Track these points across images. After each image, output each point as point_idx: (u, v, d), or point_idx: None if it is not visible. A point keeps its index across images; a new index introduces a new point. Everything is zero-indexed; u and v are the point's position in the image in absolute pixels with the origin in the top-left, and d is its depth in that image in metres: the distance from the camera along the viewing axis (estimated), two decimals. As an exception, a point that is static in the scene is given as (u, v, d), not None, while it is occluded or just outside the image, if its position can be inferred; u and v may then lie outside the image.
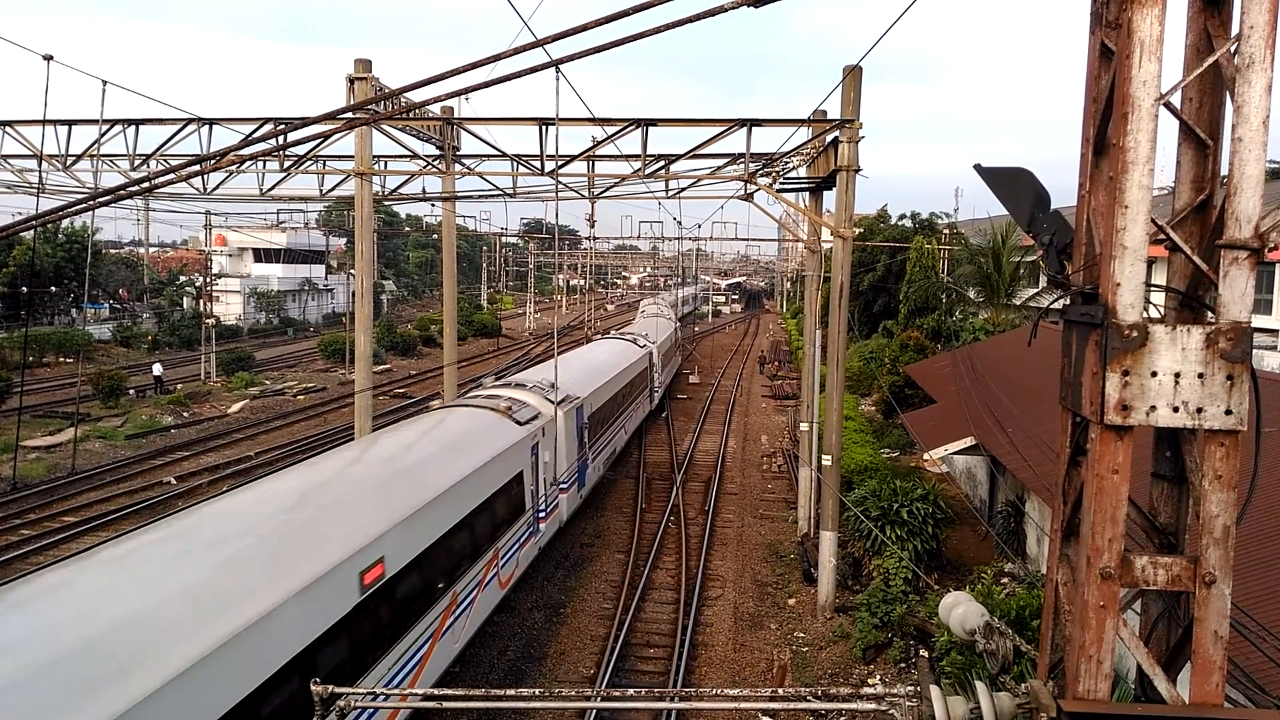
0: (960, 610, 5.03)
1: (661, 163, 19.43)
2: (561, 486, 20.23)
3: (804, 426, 23.14)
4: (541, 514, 18.53)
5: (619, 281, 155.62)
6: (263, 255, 74.79)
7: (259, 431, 34.42)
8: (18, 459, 25.80)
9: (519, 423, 17.62)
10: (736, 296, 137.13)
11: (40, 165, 20.35)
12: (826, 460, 18.37)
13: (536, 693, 5.25)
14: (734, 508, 25.55)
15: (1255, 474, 4.06)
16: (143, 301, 70.88)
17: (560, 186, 19.96)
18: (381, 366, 50.14)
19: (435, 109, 20.49)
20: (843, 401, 19.46)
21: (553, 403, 19.79)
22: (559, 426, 19.97)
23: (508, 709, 12.85)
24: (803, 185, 21.77)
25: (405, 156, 21.89)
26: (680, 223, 69.80)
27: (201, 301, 53.66)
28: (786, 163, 20.90)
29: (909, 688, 4.76)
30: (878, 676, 15.24)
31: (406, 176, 22.40)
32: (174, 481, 26.65)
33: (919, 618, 15.97)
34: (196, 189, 21.39)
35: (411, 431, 16.57)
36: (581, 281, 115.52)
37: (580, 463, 22.08)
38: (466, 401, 19.13)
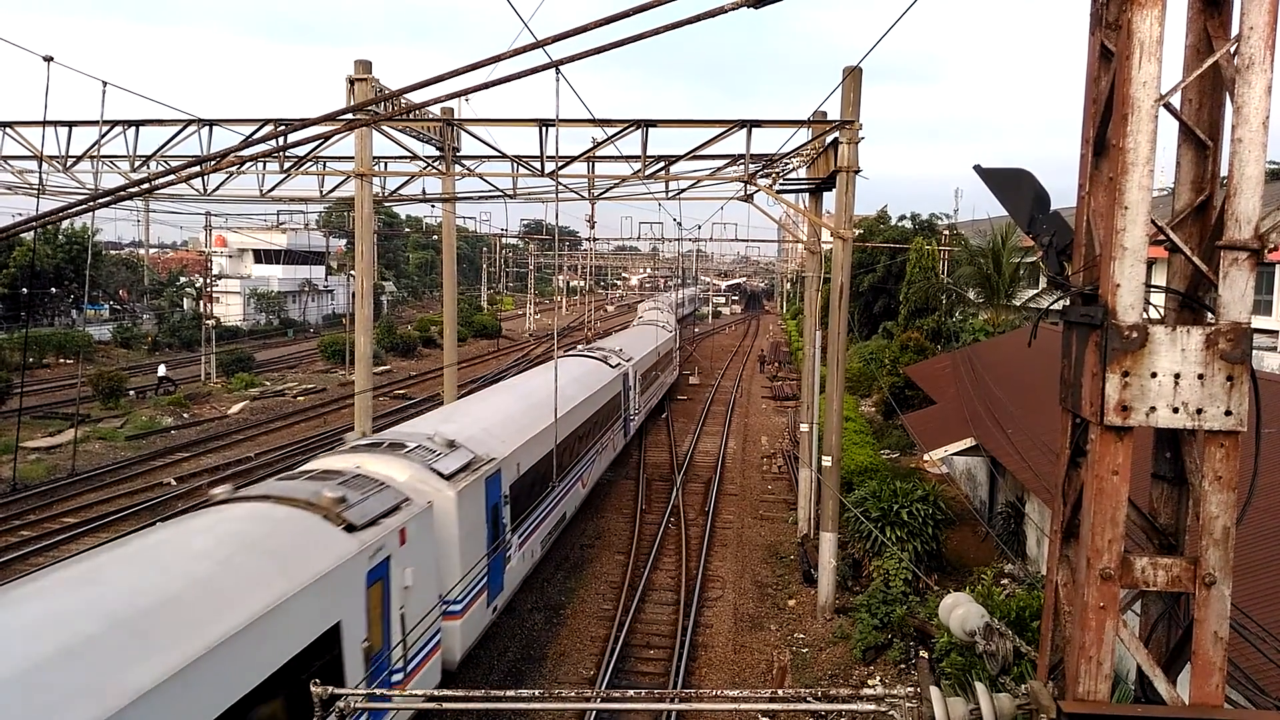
0: (960, 611, 5.03)
1: (661, 164, 19.44)
2: (451, 610, 13.07)
3: (804, 427, 23.13)
4: (393, 681, 11.26)
5: (619, 283, 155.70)
6: (263, 256, 74.87)
7: (259, 432, 34.42)
8: (18, 460, 25.79)
9: (352, 527, 10.43)
10: (736, 298, 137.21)
11: (40, 166, 20.37)
12: (826, 461, 18.37)
13: (536, 693, 5.25)
14: (734, 509, 25.54)
15: (1255, 475, 4.06)
16: (143, 302, 70.97)
17: (560, 187, 19.98)
18: (382, 368, 50.14)
19: (435, 110, 20.50)
20: (843, 402, 19.46)
21: (442, 476, 13.29)
22: (447, 515, 13.03)
23: (507, 710, 12.85)
24: (802, 186, 21.78)
25: (405, 158, 21.91)
26: (680, 224, 69.90)
27: (201, 302, 53.69)
28: (786, 164, 20.92)
29: (909, 689, 4.76)
30: (878, 678, 15.23)
31: (406, 178, 22.42)
32: (174, 483, 26.65)
33: (919, 619, 15.97)
34: (196, 190, 21.42)
35: (76, 577, 8.03)
36: (581, 283, 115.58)
37: (495, 558, 15.09)
38: (271, 490, 11.11)
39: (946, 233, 50.88)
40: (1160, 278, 4.15)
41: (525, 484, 17.12)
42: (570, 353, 31.63)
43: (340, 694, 5.12)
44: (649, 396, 35.75)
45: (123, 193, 5.91)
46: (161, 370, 42.87)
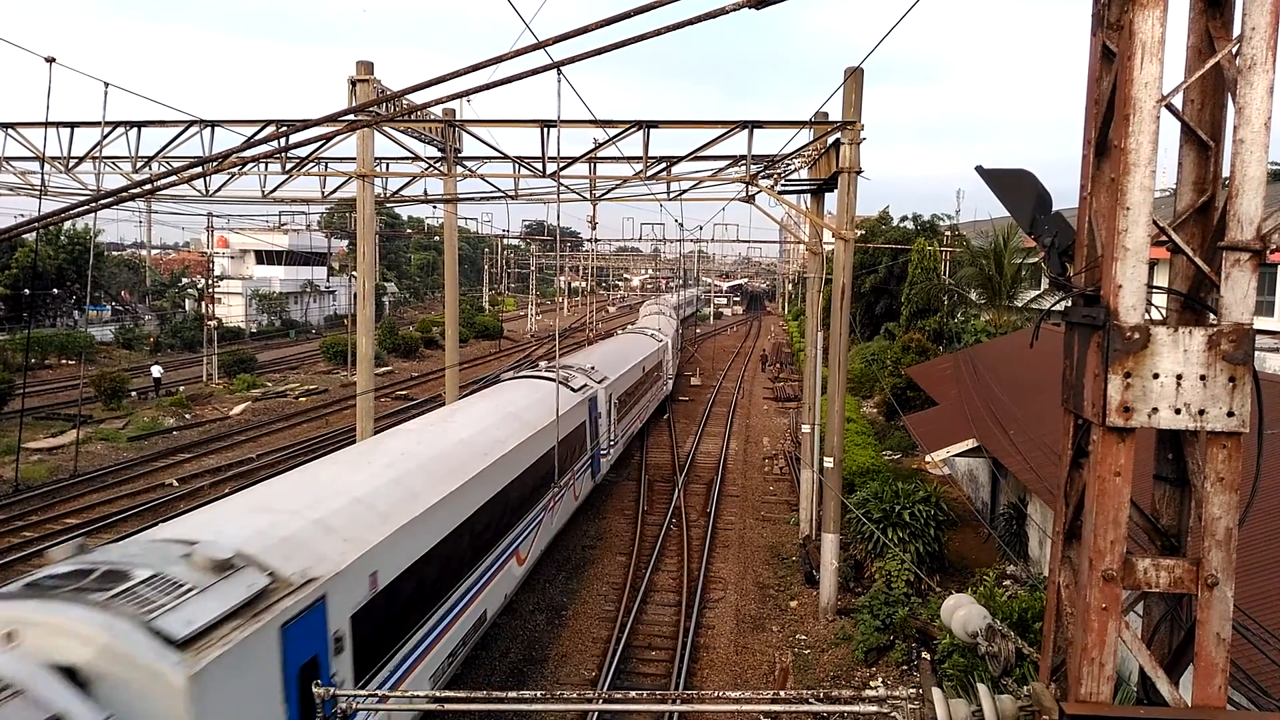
0: (962, 613, 5.02)
1: (663, 165, 19.43)
2: None
3: (805, 428, 23.12)
4: None
5: (620, 284, 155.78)
6: (265, 257, 74.95)
7: (261, 433, 34.44)
8: (20, 461, 25.82)
9: None
10: (738, 298, 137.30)
11: (42, 167, 20.38)
12: (828, 462, 18.35)
13: (538, 694, 5.25)
14: (735, 510, 25.52)
15: (1257, 476, 4.05)
16: (145, 303, 71.06)
17: (562, 188, 19.97)
18: (383, 368, 50.18)
19: (437, 111, 20.49)
20: (844, 403, 19.44)
21: (170, 642, 7.02)
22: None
23: (509, 710, 12.84)
24: (804, 187, 21.77)
25: (407, 158, 21.91)
26: (682, 225, 69.74)
27: (203, 303, 53.72)
28: (788, 165, 20.90)
29: (911, 690, 4.76)
30: (880, 679, 15.22)
31: (408, 178, 22.42)
32: (176, 484, 26.67)
33: (921, 620, 15.96)
34: (199, 191, 21.44)
35: None
36: (583, 283, 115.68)
37: None
38: None
39: (948, 234, 50.82)
40: (1162, 279, 4.15)
41: (394, 599, 10.90)
42: (520, 374, 24.84)
43: (340, 694, 5.12)
44: (630, 422, 29.43)
45: (125, 194, 5.92)
46: (156, 371, 42.87)
